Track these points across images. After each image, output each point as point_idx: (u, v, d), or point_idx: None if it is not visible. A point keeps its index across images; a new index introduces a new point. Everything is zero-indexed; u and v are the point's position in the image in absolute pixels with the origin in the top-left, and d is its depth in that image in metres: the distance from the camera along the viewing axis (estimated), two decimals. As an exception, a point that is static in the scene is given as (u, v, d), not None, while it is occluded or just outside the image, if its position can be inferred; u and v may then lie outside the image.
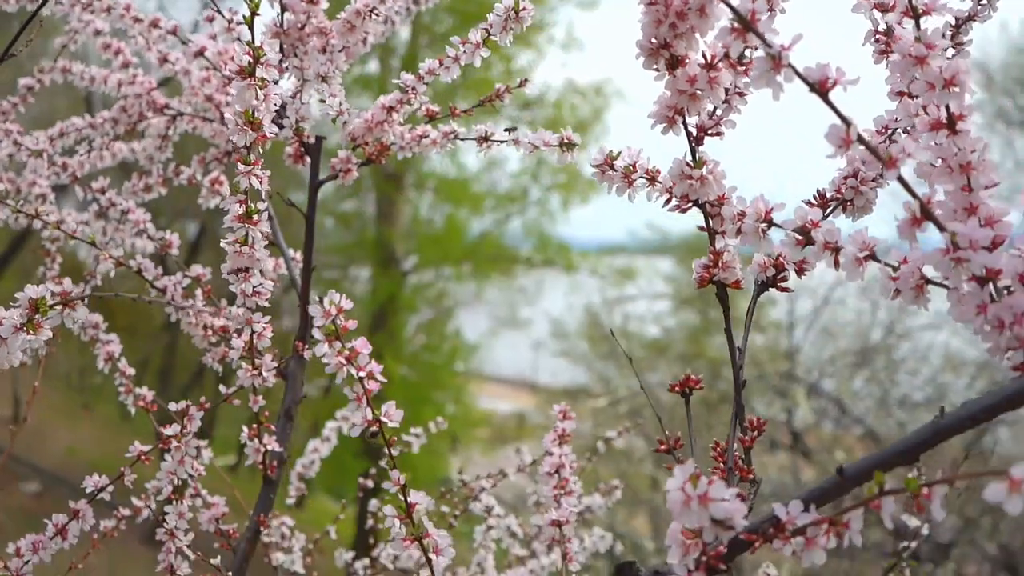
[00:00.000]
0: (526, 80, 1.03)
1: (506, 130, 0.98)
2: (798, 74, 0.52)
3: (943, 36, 0.73)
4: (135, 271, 1.03)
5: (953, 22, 0.74)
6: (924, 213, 0.53)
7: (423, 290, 11.69)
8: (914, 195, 0.53)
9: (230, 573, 0.97)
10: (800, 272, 0.69)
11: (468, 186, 11.59)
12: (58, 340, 1.19)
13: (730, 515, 0.52)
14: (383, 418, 0.65)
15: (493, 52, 1.04)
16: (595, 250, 11.53)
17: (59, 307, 0.69)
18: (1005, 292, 0.54)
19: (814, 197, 0.71)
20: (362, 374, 0.64)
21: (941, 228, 0.53)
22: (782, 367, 6.07)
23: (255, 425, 0.99)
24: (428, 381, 10.69)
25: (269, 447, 1.00)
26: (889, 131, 0.71)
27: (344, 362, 0.64)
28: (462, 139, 1.00)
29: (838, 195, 0.71)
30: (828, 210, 0.71)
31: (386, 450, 0.66)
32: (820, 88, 0.52)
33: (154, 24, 1.12)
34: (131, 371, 1.12)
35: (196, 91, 1.17)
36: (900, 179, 0.53)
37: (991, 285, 0.54)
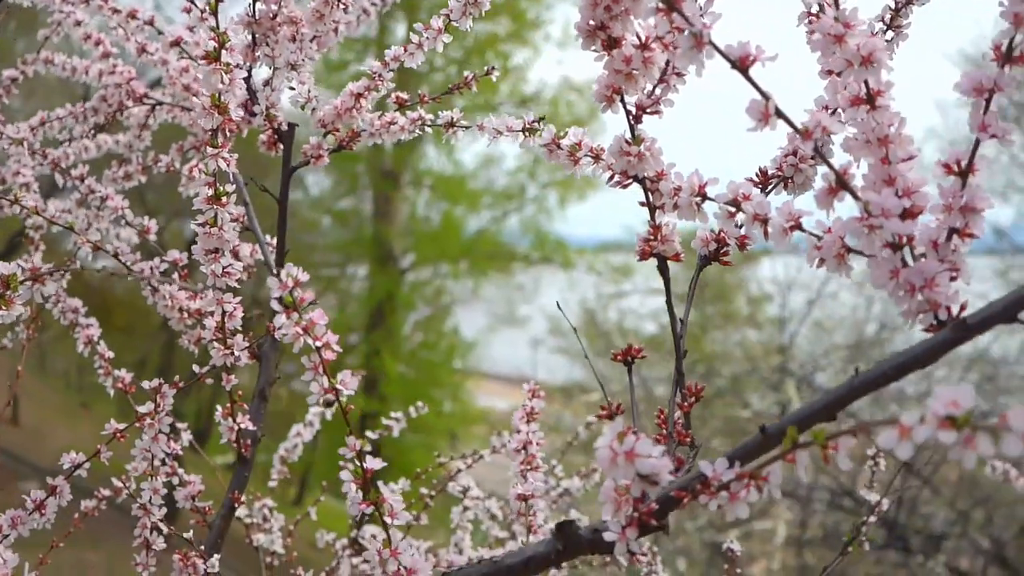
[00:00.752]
0: (493, 68, 1.06)
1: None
2: (719, 51, 0.55)
3: (882, 19, 0.76)
4: (112, 255, 1.06)
5: (893, 5, 0.77)
6: (840, 183, 0.56)
7: (421, 288, 11.73)
8: (830, 166, 0.56)
9: (202, 546, 1.00)
10: (742, 247, 0.72)
11: (465, 183, 11.63)
12: (39, 324, 1.22)
13: (656, 471, 0.55)
14: (339, 386, 0.68)
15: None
16: (592, 247, 11.58)
17: (29, 282, 0.71)
18: (922, 259, 0.57)
19: (756, 175, 0.74)
20: (319, 343, 0.67)
21: (856, 197, 0.56)
22: (775, 361, 6.10)
23: (228, 404, 1.01)
24: (426, 379, 10.73)
25: (242, 426, 1.02)
26: (829, 111, 0.74)
27: (301, 332, 0.67)
28: (429, 125, 1.02)
29: (779, 172, 0.74)
30: (769, 187, 0.74)
31: (343, 418, 0.69)
32: (741, 65, 0.55)
33: (132, 15, 1.15)
34: (110, 354, 1.14)
35: (174, 81, 1.19)
36: (816, 150, 0.55)
37: (907, 251, 0.57)
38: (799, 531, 6.15)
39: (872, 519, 1.16)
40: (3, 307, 0.71)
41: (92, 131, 1.27)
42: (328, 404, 0.69)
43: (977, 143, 0.57)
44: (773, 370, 6.10)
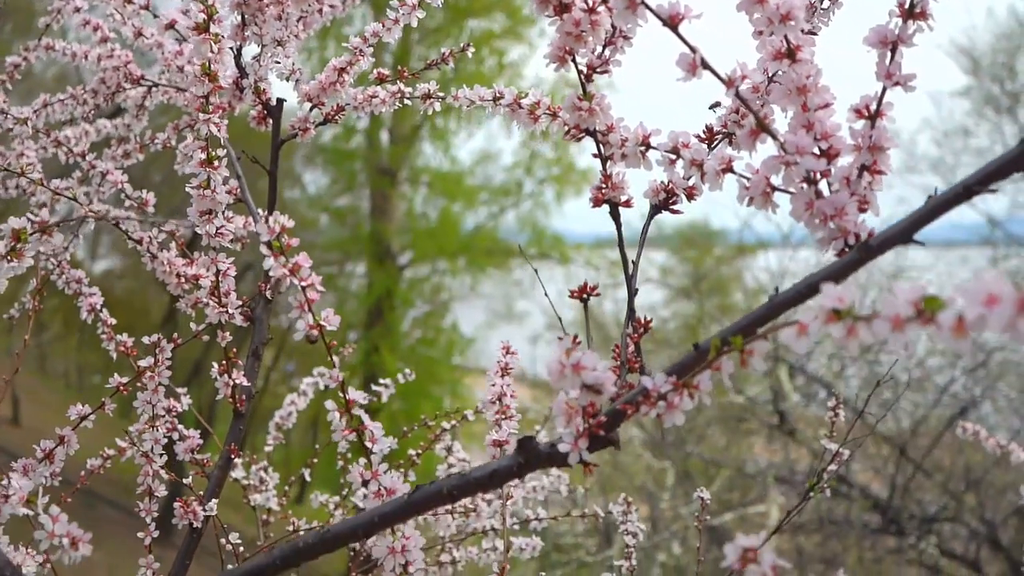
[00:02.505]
0: (469, 45, 1.13)
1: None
2: (651, 10, 0.62)
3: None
4: (113, 223, 1.13)
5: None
6: (760, 126, 0.63)
7: (419, 284, 11.80)
8: (751, 110, 0.63)
9: (202, 493, 1.07)
10: (690, 197, 0.79)
11: (462, 180, 11.71)
12: (43, 295, 1.29)
13: (599, 381, 0.62)
14: (323, 322, 0.75)
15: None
16: (590, 243, 11.66)
17: (37, 234, 0.78)
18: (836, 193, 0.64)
19: (703, 131, 0.81)
20: (304, 284, 0.74)
21: (774, 137, 0.63)
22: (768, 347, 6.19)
23: (224, 361, 1.08)
24: (425, 375, 10.80)
25: (238, 382, 1.09)
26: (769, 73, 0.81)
27: (288, 273, 0.74)
28: (408, 98, 1.09)
29: (723, 128, 0.80)
30: (715, 142, 0.80)
31: (327, 352, 0.76)
32: (671, 22, 0.62)
33: (128, 0, 1.22)
34: (113, 321, 1.21)
35: (169, 63, 1.26)
36: (738, 96, 0.62)
37: (825, 187, 0.64)
38: (794, 515, 6.23)
39: (833, 467, 1.23)
40: (14, 258, 0.78)
41: (92, 113, 1.34)
42: (311, 340, 0.76)
43: (884, 90, 0.64)
44: (765, 357, 6.19)
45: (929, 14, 0.63)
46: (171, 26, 1.18)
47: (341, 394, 0.76)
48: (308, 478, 1.54)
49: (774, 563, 0.51)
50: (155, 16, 1.22)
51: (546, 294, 1.05)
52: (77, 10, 1.32)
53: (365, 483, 0.76)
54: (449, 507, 1.33)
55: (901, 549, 6.15)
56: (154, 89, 1.34)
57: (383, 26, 1.04)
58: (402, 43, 10.02)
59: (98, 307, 1.23)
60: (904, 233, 0.58)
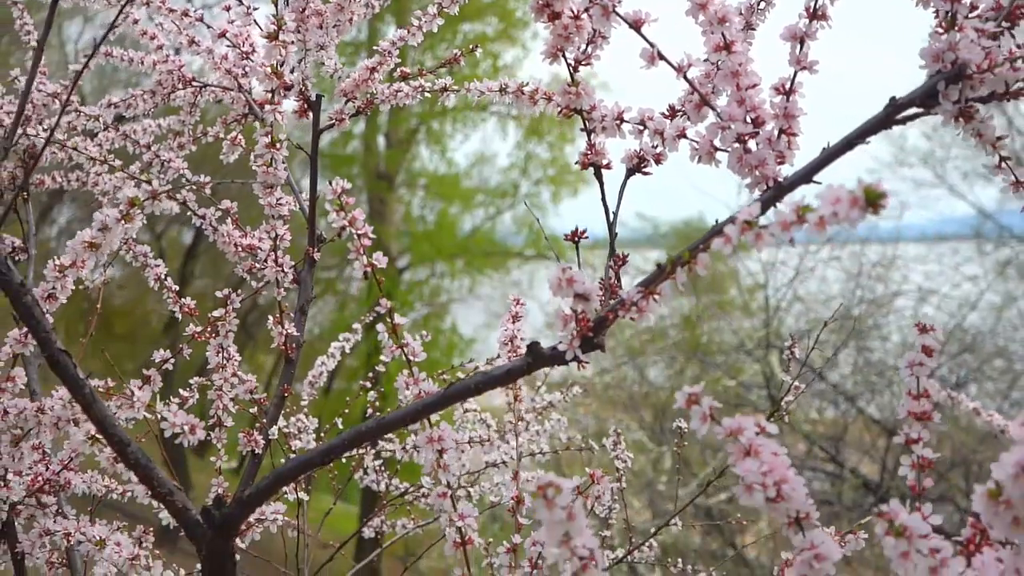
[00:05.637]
0: (476, 46, 1.34)
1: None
2: (620, 16, 0.83)
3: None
4: (180, 203, 1.34)
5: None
6: (703, 101, 0.85)
7: (418, 287, 12.01)
8: (696, 90, 0.85)
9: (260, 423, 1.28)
10: (657, 161, 1.00)
11: (458, 182, 11.93)
12: (114, 257, 1.50)
13: (588, 291, 0.83)
14: (374, 261, 0.97)
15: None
16: (588, 242, 11.85)
17: (150, 200, 0.99)
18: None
19: (667, 108, 1.02)
20: (360, 232, 0.96)
21: (713, 108, 0.84)
22: (760, 334, 6.41)
23: (278, 314, 1.30)
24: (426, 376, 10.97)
25: (289, 331, 1.31)
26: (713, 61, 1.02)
27: (347, 224, 0.96)
28: (428, 92, 1.31)
29: (682, 106, 1.02)
30: (676, 116, 1.02)
31: (377, 286, 0.98)
32: (635, 25, 0.83)
33: (185, 13, 1.43)
34: (176, 287, 1.42)
35: (218, 66, 1.47)
36: (686, 79, 0.84)
37: (753, 144, 0.86)
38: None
39: (790, 397, 1.44)
40: (127, 222, 0.99)
41: (151, 111, 1.55)
42: (366, 277, 0.97)
43: (795, 73, 0.85)
44: (757, 344, 6.41)
45: (829, 16, 0.84)
46: (223, 35, 1.40)
47: (389, 319, 0.98)
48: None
49: (712, 404, 0.72)
50: (208, 27, 1.43)
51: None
52: (136, 22, 1.53)
53: (407, 387, 0.97)
54: (467, 439, 1.55)
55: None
56: (204, 89, 1.55)
57: (408, 32, 1.26)
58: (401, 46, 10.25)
59: (163, 276, 1.45)
60: (805, 176, 0.80)
